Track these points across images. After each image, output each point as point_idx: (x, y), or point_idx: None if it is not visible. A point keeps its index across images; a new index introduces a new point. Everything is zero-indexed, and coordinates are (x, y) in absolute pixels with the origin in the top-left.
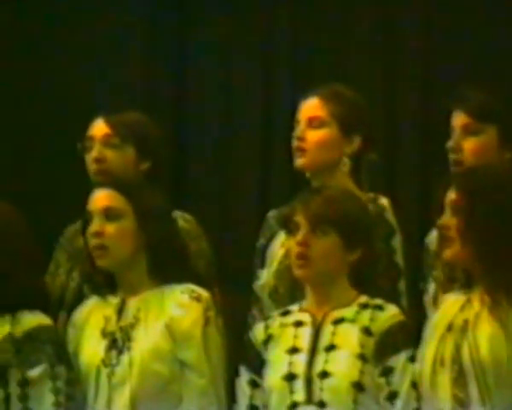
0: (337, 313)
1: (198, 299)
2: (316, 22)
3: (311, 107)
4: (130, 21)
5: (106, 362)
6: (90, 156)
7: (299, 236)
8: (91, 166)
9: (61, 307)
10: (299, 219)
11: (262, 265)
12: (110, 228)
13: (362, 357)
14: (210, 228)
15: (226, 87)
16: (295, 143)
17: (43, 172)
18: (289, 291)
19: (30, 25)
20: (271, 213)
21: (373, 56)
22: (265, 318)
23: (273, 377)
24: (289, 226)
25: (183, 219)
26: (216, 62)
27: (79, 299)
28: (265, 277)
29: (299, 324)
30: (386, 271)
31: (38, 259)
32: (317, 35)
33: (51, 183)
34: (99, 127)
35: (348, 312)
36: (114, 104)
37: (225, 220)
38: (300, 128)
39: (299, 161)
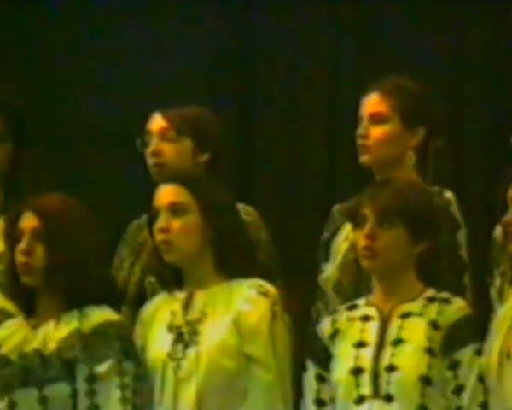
0: (404, 307)
1: (265, 294)
2: (380, 16)
3: (372, 102)
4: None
5: (172, 356)
6: (149, 150)
7: (367, 228)
8: (149, 160)
9: (123, 301)
10: (367, 211)
11: (326, 258)
12: (176, 223)
13: (429, 351)
14: (274, 221)
15: (291, 84)
16: (359, 141)
17: (107, 167)
18: (353, 285)
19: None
20: (336, 207)
21: (439, 50)
22: (332, 312)
23: (340, 371)
24: (356, 219)
25: (244, 211)
26: (281, 59)
27: (141, 293)
28: (329, 270)
29: (366, 318)
30: (451, 265)
31: (106, 254)
32: (381, 29)
33: (115, 178)
34: (156, 121)
35: (415, 306)
36: (178, 96)
37: (290, 214)
38: (363, 125)
39: (364, 158)
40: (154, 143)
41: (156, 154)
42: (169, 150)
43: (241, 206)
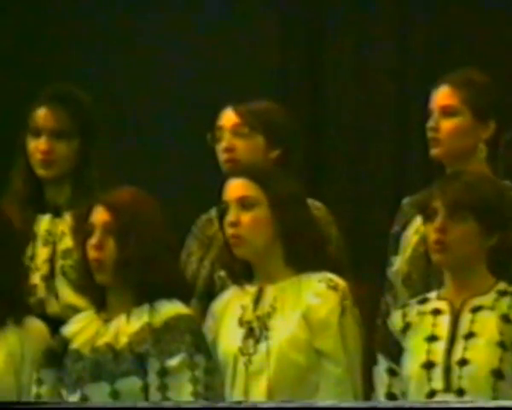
0: (475, 301)
1: (335, 288)
2: (452, 8)
3: (442, 95)
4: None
5: (243, 351)
6: (220, 146)
7: (437, 222)
8: (221, 156)
9: (193, 295)
10: (437, 205)
11: (396, 251)
12: (245, 217)
13: (501, 345)
14: (343, 216)
15: (360, 78)
16: (430, 134)
17: (178, 162)
18: (423, 278)
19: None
20: (406, 200)
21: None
22: (402, 305)
23: (411, 365)
24: (426, 212)
25: (313, 206)
26: (351, 51)
27: (210, 287)
28: (399, 263)
29: (437, 312)
30: None
31: (176, 248)
32: (451, 21)
33: (181, 172)
34: (228, 117)
35: (487, 299)
36: (249, 93)
37: (359, 208)
38: (434, 118)
39: (435, 151)
40: (227, 139)
41: (229, 150)
42: (241, 146)
43: (310, 201)
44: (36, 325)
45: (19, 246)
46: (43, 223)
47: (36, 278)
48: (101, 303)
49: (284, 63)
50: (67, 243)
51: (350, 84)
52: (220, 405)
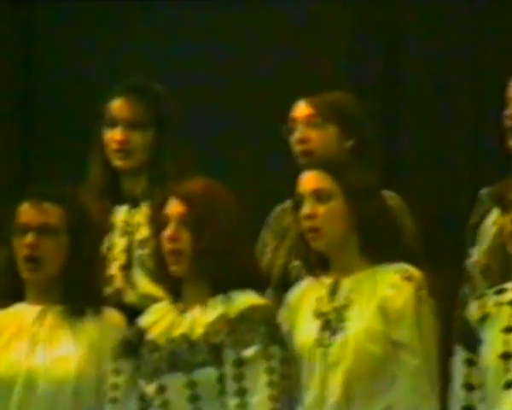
0: None
1: (410, 278)
2: None
3: None
4: None
5: (319, 343)
6: (294, 137)
7: None
8: (295, 148)
9: (268, 285)
10: None
11: (474, 243)
12: (321, 210)
13: None
14: (418, 206)
15: (435, 67)
16: (508, 123)
17: (252, 153)
18: (502, 269)
19: None
20: (484, 191)
21: None
22: (479, 296)
23: (489, 356)
24: (503, 204)
25: (388, 196)
26: (426, 41)
27: (285, 276)
28: (477, 255)
29: None
30: None
31: (250, 238)
32: None
33: (255, 163)
34: (301, 108)
35: None
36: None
37: (434, 198)
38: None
39: None
40: (300, 130)
41: (303, 141)
42: (315, 137)
43: (384, 191)
44: (114, 316)
45: (97, 237)
46: (121, 213)
47: (113, 268)
48: (177, 294)
49: (359, 53)
50: (144, 232)
51: (425, 74)
52: None
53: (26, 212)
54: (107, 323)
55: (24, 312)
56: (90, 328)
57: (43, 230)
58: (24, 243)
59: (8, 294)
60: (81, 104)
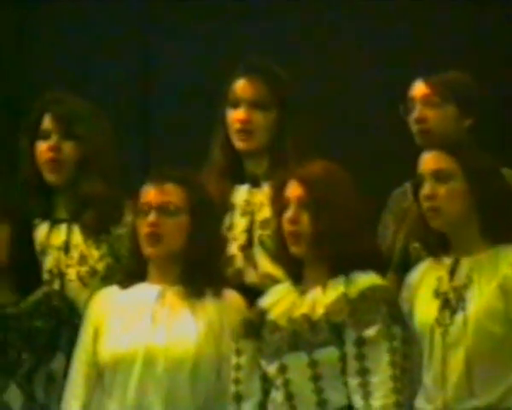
0: None
1: None
2: None
3: None
4: None
5: (440, 322)
6: (412, 117)
7: None
8: (414, 127)
9: (388, 267)
10: None
11: None
12: (441, 190)
13: None
14: None
15: None
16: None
17: (371, 134)
18: None
19: None
20: None
21: None
22: None
23: None
24: None
25: (508, 175)
26: None
27: (405, 259)
28: None
29: None
30: None
31: (370, 221)
32: None
33: (375, 145)
34: (419, 88)
35: None
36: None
37: None
38: None
39: None
40: (418, 110)
41: (421, 120)
42: (433, 116)
43: (504, 170)
44: (233, 297)
45: (217, 217)
46: (242, 193)
47: (234, 249)
48: (297, 276)
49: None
50: (265, 213)
51: None
52: None
53: (149, 192)
54: (226, 304)
55: (145, 291)
56: (210, 308)
57: (164, 209)
58: (146, 222)
59: (132, 274)
60: None
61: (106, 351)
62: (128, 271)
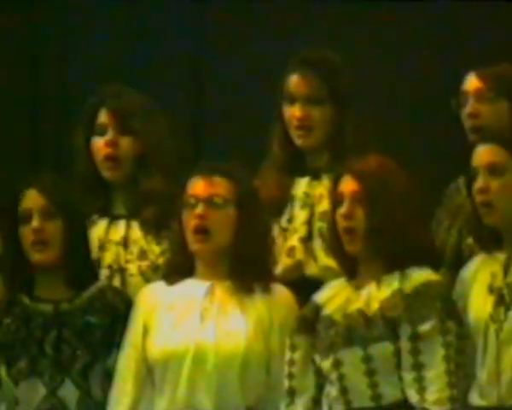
0: None
1: None
2: None
3: None
4: None
5: (494, 318)
6: (465, 112)
7: None
8: (466, 122)
9: (442, 263)
10: None
11: None
12: (495, 184)
13: None
14: None
15: None
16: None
17: (424, 130)
18: None
19: None
20: None
21: None
22: None
23: None
24: None
25: None
26: None
27: (458, 255)
28: None
29: None
30: None
31: (425, 216)
32: None
33: (429, 141)
34: (472, 82)
35: None
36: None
37: None
38: None
39: None
40: (471, 105)
41: (473, 115)
42: (486, 111)
43: None
44: (282, 292)
45: (263, 212)
46: (302, 185)
47: (294, 240)
48: (352, 271)
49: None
50: (325, 205)
51: None
52: None
53: (196, 185)
54: (275, 299)
55: (193, 287)
56: (259, 304)
57: (211, 201)
58: (194, 214)
59: (179, 269)
60: None
61: (155, 348)
62: (174, 265)
